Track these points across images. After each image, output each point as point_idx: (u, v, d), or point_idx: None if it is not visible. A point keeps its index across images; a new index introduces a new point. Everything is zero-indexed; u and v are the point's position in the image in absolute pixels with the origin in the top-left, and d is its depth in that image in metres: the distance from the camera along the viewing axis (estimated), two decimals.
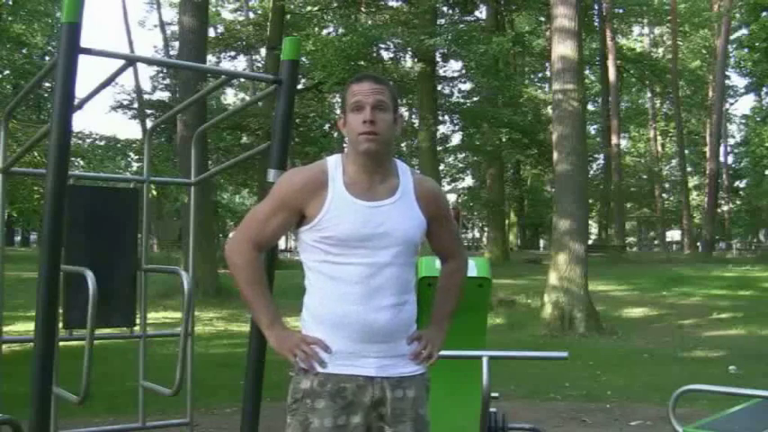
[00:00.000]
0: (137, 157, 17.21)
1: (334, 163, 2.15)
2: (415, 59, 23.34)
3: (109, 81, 3.32)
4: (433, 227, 2.22)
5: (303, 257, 2.16)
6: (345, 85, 2.20)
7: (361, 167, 2.11)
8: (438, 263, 2.45)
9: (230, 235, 2.22)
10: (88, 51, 2.75)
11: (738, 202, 46.22)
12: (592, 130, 41.25)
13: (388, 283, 2.08)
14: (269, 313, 2.13)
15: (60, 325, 3.40)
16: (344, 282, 2.06)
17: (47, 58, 34.84)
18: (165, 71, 32.84)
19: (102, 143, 13.67)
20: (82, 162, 12.09)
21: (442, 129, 29.15)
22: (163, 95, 33.33)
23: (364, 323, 2.05)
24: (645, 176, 42.62)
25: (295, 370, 2.09)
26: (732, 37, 35.59)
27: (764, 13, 23.68)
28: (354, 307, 2.05)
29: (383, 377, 2.07)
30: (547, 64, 29.62)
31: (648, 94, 45.59)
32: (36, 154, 8.74)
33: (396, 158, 2.23)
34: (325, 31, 25.21)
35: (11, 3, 25.51)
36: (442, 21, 24.37)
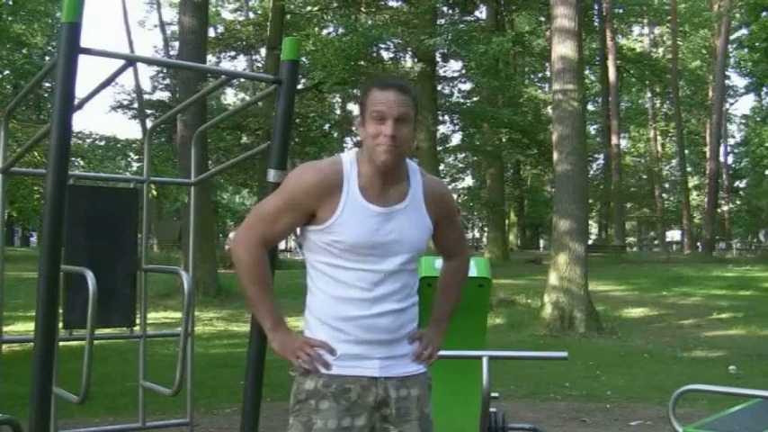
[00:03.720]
0: (137, 157, 17.19)
1: (349, 162, 2.09)
2: (415, 59, 23.33)
3: (109, 81, 3.31)
4: (440, 227, 2.20)
5: (308, 256, 2.13)
6: (367, 86, 2.14)
7: (375, 172, 2.07)
8: (438, 263, 2.44)
9: (232, 234, 2.16)
10: (88, 51, 2.74)
11: (738, 202, 46.23)
12: (592, 130, 41.28)
13: (394, 289, 2.07)
14: (273, 315, 2.10)
15: (60, 325, 3.40)
16: (349, 286, 2.05)
17: (47, 58, 34.86)
18: (165, 71, 32.89)
19: (102, 143, 13.64)
20: (82, 162, 12.07)
21: (442, 129, 29.15)
22: (163, 95, 33.41)
23: (367, 327, 2.04)
24: (645, 176, 42.61)
25: (297, 371, 2.08)
26: (732, 37, 35.61)
27: (764, 13, 23.67)
28: (358, 311, 2.04)
29: (386, 377, 2.07)
30: (547, 64, 29.65)
31: (648, 94, 45.60)
32: (36, 154, 8.73)
33: (406, 159, 2.18)
34: (325, 31, 25.20)
35: (11, 3, 25.50)
36: (442, 21, 24.37)
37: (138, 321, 4.02)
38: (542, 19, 30.61)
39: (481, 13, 27.33)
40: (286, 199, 2.08)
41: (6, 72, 30.64)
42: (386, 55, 24.16)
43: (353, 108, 30.86)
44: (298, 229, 2.16)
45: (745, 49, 30.88)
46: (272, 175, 3.05)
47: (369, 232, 2.03)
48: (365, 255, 2.04)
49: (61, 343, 3.42)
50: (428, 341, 2.18)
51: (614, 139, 35.96)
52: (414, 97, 2.09)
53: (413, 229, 2.10)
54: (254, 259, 2.08)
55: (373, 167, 2.06)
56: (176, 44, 30.65)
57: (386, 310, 2.05)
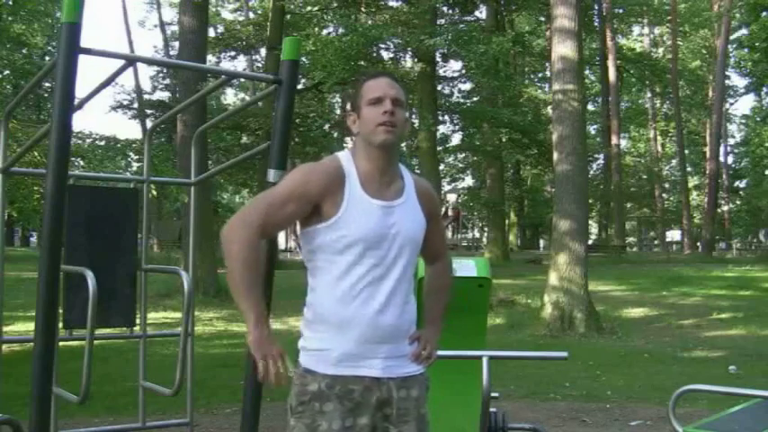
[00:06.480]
0: (137, 157, 17.16)
1: (346, 159, 2.12)
2: (415, 59, 23.32)
3: (109, 81, 3.31)
4: (429, 227, 2.23)
5: (310, 256, 2.12)
6: (358, 82, 2.19)
7: (374, 164, 2.10)
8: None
9: (232, 218, 2.02)
10: (88, 51, 2.74)
11: (738, 202, 46.21)
12: (592, 130, 41.25)
13: (396, 283, 2.08)
14: (258, 309, 1.99)
15: (60, 325, 3.40)
16: (353, 282, 2.05)
17: (47, 58, 34.84)
18: (165, 71, 32.84)
19: (102, 143, 13.59)
20: (82, 162, 12.04)
21: (442, 129, 29.13)
22: (163, 95, 33.39)
23: (370, 324, 2.05)
24: (645, 176, 42.59)
25: (298, 371, 2.09)
26: (732, 37, 35.59)
27: (764, 13, 23.66)
28: (362, 308, 2.05)
29: (389, 378, 2.08)
30: (547, 64, 29.63)
31: (648, 94, 45.57)
32: (36, 154, 8.72)
33: None
34: (325, 31, 25.19)
35: (11, 3, 25.48)
36: (442, 21, 24.35)
37: (138, 321, 4.02)
38: (542, 19, 30.60)
39: (481, 13, 27.32)
40: (293, 188, 2.05)
41: (6, 72, 30.60)
42: (386, 55, 24.15)
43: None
44: (298, 230, 2.16)
45: (745, 49, 30.88)
46: (272, 175, 3.05)
47: (374, 226, 2.05)
48: (369, 249, 2.05)
49: (61, 343, 3.42)
50: (426, 341, 2.19)
51: (614, 139, 35.93)
52: (404, 89, 2.17)
53: (412, 224, 2.13)
54: (251, 245, 1.99)
55: (372, 158, 2.10)
56: (176, 44, 30.64)
57: (389, 305, 2.06)
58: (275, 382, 1.94)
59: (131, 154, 16.05)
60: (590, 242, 29.77)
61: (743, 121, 48.10)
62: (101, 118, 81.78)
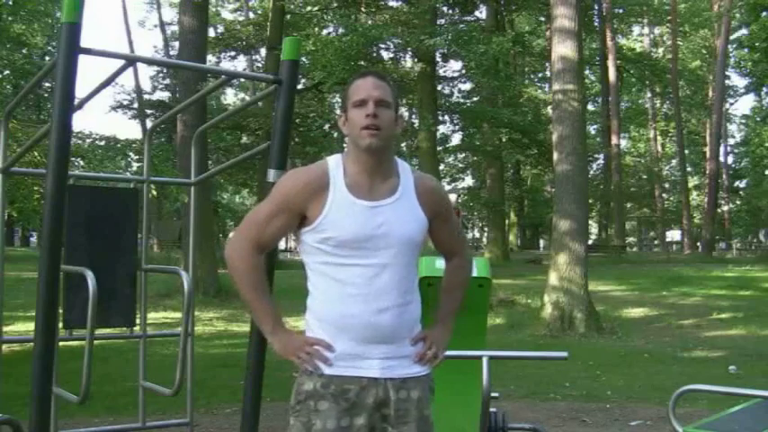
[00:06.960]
0: (137, 157, 17.15)
1: (334, 163, 2.13)
2: (415, 59, 23.35)
3: (109, 81, 3.31)
4: (435, 225, 2.20)
5: (305, 259, 2.15)
6: (347, 83, 2.19)
7: (362, 166, 2.09)
8: (439, 263, 2.45)
9: (230, 236, 2.19)
10: (88, 51, 2.74)
11: (738, 202, 46.23)
12: (592, 130, 41.28)
13: (391, 283, 2.07)
14: (271, 318, 2.12)
15: (60, 325, 3.40)
16: (347, 283, 2.05)
17: (47, 58, 34.84)
18: (165, 71, 32.87)
19: (102, 143, 13.58)
20: (82, 162, 12.03)
21: (442, 129, 29.16)
22: (163, 95, 33.42)
23: (368, 324, 2.04)
24: (645, 176, 42.62)
25: (299, 372, 2.09)
26: (732, 37, 35.63)
27: (764, 13, 23.66)
28: (358, 308, 2.04)
29: (387, 378, 2.06)
30: (547, 64, 29.65)
31: (648, 94, 45.59)
32: (36, 154, 8.71)
33: (396, 157, 2.22)
34: (325, 31, 25.21)
35: (11, 3, 25.48)
36: (442, 21, 24.38)
37: (138, 321, 4.02)
38: (542, 19, 30.64)
39: (481, 13, 27.36)
40: (276, 202, 2.12)
41: (6, 72, 30.62)
42: (386, 55, 24.18)
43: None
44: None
45: (745, 49, 30.91)
46: (272, 175, 3.05)
47: (357, 226, 2.04)
48: (357, 249, 2.04)
49: (61, 343, 3.42)
50: (432, 342, 2.18)
51: (614, 139, 35.95)
52: (392, 88, 2.14)
53: (405, 222, 2.10)
54: (249, 265, 2.12)
55: (361, 160, 2.10)
56: (176, 44, 30.65)
57: (386, 305, 2.05)
58: (323, 362, 2.05)
59: (131, 154, 16.03)
60: (590, 242, 29.78)
61: (743, 121, 48.17)
62: (101, 118, 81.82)
